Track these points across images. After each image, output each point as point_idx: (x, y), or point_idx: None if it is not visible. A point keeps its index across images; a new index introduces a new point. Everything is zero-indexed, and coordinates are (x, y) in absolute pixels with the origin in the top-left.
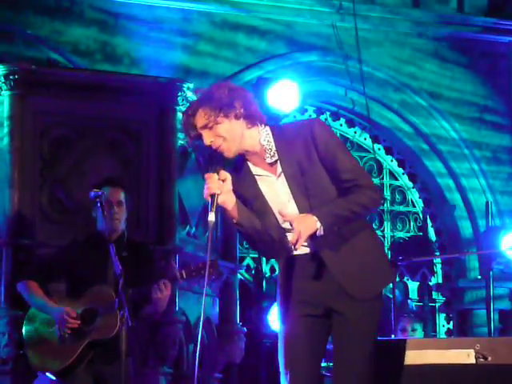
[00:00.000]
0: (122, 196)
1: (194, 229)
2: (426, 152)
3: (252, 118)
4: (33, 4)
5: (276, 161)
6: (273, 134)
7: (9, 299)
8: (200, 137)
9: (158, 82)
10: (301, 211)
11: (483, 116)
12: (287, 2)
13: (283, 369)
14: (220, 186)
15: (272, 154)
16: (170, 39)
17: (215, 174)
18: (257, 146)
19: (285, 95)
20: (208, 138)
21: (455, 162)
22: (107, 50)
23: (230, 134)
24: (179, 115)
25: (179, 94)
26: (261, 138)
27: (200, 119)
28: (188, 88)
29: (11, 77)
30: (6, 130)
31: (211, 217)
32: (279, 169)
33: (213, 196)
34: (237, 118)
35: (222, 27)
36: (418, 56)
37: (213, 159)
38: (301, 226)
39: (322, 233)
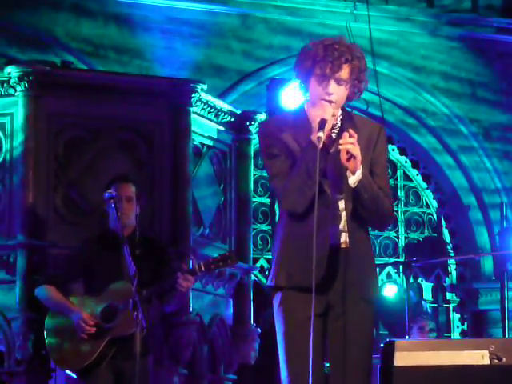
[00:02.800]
0: (131, 191)
1: (208, 230)
2: (441, 153)
3: (351, 99)
4: (47, 4)
5: (321, 137)
6: (342, 115)
7: (23, 300)
8: (332, 66)
9: (171, 83)
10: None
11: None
12: (301, 2)
13: (286, 364)
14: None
15: (336, 131)
16: (184, 38)
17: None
18: (333, 119)
19: (299, 96)
20: (334, 87)
21: (468, 161)
22: (121, 50)
23: (343, 97)
24: (193, 116)
25: (193, 94)
26: (338, 113)
27: (347, 69)
28: (202, 89)
29: (25, 78)
30: (20, 131)
31: (320, 133)
32: (334, 148)
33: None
34: (350, 90)
35: (235, 27)
36: (432, 56)
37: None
38: (357, 149)
39: (353, 182)
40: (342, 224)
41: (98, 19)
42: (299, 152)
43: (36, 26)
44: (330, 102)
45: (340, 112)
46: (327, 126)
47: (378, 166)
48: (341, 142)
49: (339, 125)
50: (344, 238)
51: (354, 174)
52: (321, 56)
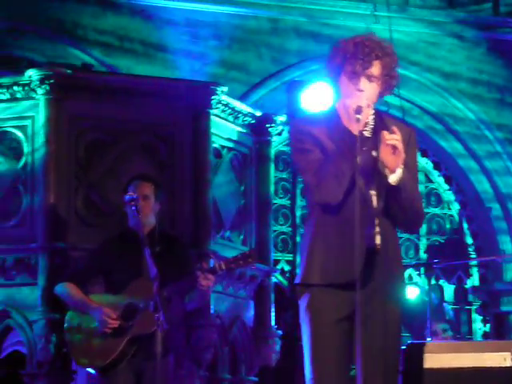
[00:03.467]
0: (147, 190)
1: (228, 232)
2: (462, 154)
3: (382, 96)
4: (68, 8)
5: (368, 138)
6: (375, 114)
7: (45, 302)
8: (363, 63)
9: (192, 86)
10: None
11: None
12: (321, 4)
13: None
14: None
15: (369, 130)
16: (205, 40)
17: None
18: (365, 118)
19: (319, 98)
20: (365, 83)
21: (491, 164)
22: (142, 52)
23: (374, 95)
24: (213, 118)
25: (213, 97)
26: (370, 112)
27: (377, 65)
28: (222, 91)
29: (46, 81)
30: (41, 133)
31: (358, 116)
32: (367, 146)
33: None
34: (382, 87)
35: (254, 30)
36: (454, 58)
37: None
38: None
39: (394, 179)
40: (376, 222)
41: (119, 22)
42: (333, 147)
43: (63, 19)
44: (360, 92)
45: (372, 111)
46: (362, 117)
47: (409, 169)
48: (387, 136)
49: (372, 124)
50: (377, 238)
51: (394, 171)
52: (351, 53)
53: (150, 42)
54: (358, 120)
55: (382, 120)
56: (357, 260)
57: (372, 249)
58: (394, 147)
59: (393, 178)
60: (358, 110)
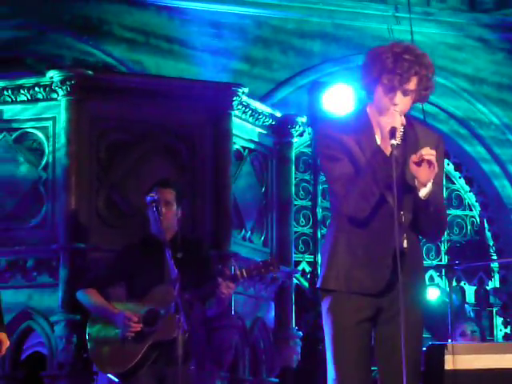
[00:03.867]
0: (170, 196)
1: (249, 233)
2: (483, 156)
3: (414, 104)
4: (92, 6)
5: (395, 144)
6: (405, 120)
7: (66, 303)
8: (401, 79)
9: (213, 87)
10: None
11: None
12: (343, 5)
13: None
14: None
15: (399, 137)
16: (227, 42)
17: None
18: (397, 123)
19: (340, 99)
20: (400, 98)
21: None
22: (167, 49)
23: (408, 106)
24: (234, 120)
25: (234, 98)
26: (402, 119)
27: (414, 80)
28: (243, 92)
29: (67, 82)
30: (62, 134)
31: (393, 141)
32: (394, 151)
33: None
34: (416, 99)
35: (277, 31)
36: (475, 59)
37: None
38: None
39: (424, 193)
40: (403, 233)
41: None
42: (362, 157)
43: (89, 15)
44: (395, 105)
45: (402, 118)
46: (397, 135)
47: (436, 177)
48: (423, 152)
49: (402, 131)
50: (405, 242)
51: (425, 185)
52: (390, 67)
53: (174, 39)
54: (392, 146)
55: (412, 126)
56: (378, 265)
57: (400, 253)
58: (430, 162)
59: (423, 192)
60: (393, 132)
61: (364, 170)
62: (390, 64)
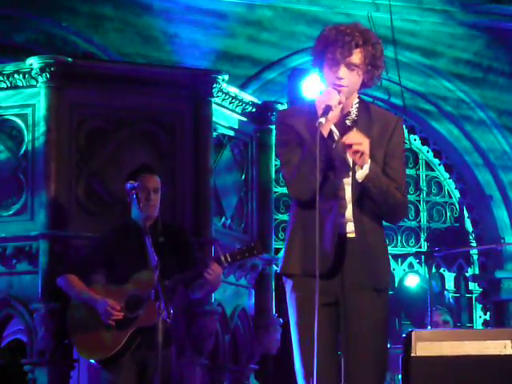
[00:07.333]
0: (157, 182)
1: (229, 220)
2: (463, 142)
3: (367, 86)
4: None
5: (349, 127)
6: (359, 104)
7: (46, 291)
8: (342, 51)
9: (192, 74)
10: (353, 180)
11: None
12: None
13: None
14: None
15: (351, 119)
16: (206, 28)
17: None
18: (348, 107)
19: (320, 86)
20: (345, 72)
21: (493, 154)
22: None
23: (355, 83)
24: (214, 107)
25: (214, 85)
26: (354, 101)
27: (358, 54)
28: (223, 80)
29: (47, 69)
30: (42, 122)
31: (321, 119)
32: (320, 129)
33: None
34: (365, 76)
35: (260, 16)
36: (455, 44)
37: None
38: (365, 145)
39: (360, 177)
40: (348, 213)
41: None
42: (309, 139)
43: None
44: (341, 86)
45: (357, 101)
46: (333, 113)
47: (393, 159)
48: (345, 137)
49: (355, 113)
50: (351, 227)
51: (361, 168)
52: (332, 40)
53: (153, 28)
54: (319, 124)
55: (367, 109)
56: (320, 248)
57: (343, 237)
58: (356, 150)
59: (359, 175)
60: (326, 110)
61: (304, 151)
62: (332, 37)
